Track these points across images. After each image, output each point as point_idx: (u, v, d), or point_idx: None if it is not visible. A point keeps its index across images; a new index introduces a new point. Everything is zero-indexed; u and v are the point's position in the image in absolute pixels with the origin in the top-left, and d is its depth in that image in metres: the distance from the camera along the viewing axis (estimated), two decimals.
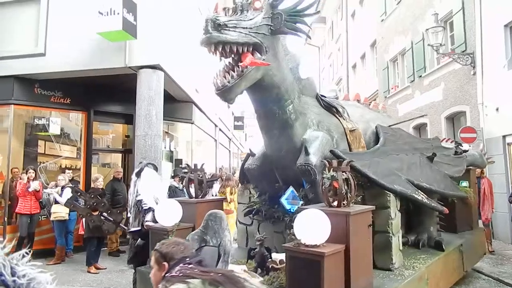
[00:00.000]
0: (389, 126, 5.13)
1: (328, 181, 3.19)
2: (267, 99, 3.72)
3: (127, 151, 9.79)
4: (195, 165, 4.91)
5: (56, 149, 8.81)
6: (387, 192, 3.78)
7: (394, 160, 4.26)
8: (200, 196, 4.63)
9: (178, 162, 10.36)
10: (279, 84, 3.61)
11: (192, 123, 10.63)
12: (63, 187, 7.20)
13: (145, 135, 7.16)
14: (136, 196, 4.57)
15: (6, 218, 7.55)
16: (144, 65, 7.25)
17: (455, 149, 5.90)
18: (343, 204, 3.22)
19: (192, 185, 4.77)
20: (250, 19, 3.28)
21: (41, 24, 7.71)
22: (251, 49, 3.28)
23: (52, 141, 8.70)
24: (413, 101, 12.87)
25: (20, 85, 8.02)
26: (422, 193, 4.02)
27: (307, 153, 3.71)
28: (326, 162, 3.34)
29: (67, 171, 8.26)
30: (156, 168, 5.20)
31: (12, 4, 7.93)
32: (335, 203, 3.21)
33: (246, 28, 3.21)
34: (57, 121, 8.55)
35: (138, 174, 4.78)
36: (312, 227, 2.89)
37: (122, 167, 9.30)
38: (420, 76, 12.29)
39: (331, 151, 3.73)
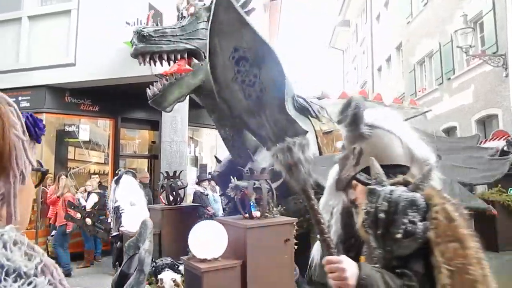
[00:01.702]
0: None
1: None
2: (211, 104, 3.68)
3: (153, 157, 9.97)
4: (167, 172, 5.06)
5: (85, 155, 9.09)
6: None
7: None
8: (173, 203, 4.73)
9: (203, 167, 10.47)
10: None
11: (216, 129, 10.70)
12: (89, 193, 7.39)
13: (170, 141, 7.30)
14: (115, 202, 4.69)
15: (38, 223, 7.82)
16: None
17: (507, 148, 5.16)
18: (266, 215, 3.00)
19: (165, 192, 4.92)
20: (182, 26, 3.28)
21: (71, 35, 8.01)
22: (185, 55, 3.29)
23: (81, 147, 8.98)
24: (441, 104, 12.53)
25: (51, 94, 8.34)
26: None
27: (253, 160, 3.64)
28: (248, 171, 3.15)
29: (93, 176, 8.48)
30: (134, 176, 5.34)
31: (45, 16, 8.28)
32: (258, 214, 3.02)
33: (176, 35, 3.22)
34: (86, 128, 8.85)
35: (117, 182, 4.88)
36: (204, 239, 2.72)
37: (148, 172, 9.48)
38: (449, 78, 11.98)
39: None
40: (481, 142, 6.60)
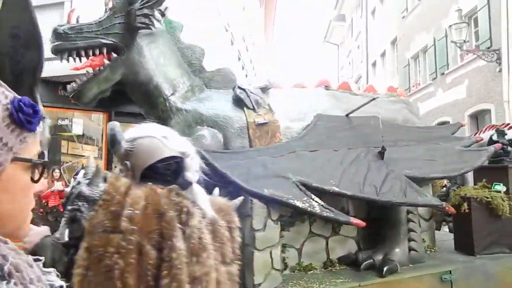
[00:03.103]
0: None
1: None
2: (137, 98, 3.69)
3: None
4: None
5: (78, 149, 9.03)
6: (252, 197, 3.13)
7: (299, 158, 3.52)
8: None
9: None
10: (147, 81, 3.52)
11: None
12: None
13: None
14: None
15: (36, 220, 7.79)
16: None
17: (496, 138, 4.51)
18: None
19: None
20: (99, 21, 3.31)
21: None
22: (104, 50, 3.31)
23: (75, 141, 8.92)
24: (435, 99, 12.63)
25: (44, 87, 8.25)
26: (316, 200, 3.17)
27: None
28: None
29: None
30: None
31: (37, 8, 8.10)
32: None
33: (92, 31, 3.24)
34: (79, 121, 8.78)
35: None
36: None
37: None
38: (443, 73, 12.04)
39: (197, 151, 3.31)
40: (474, 134, 6.23)
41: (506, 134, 4.64)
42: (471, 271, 3.68)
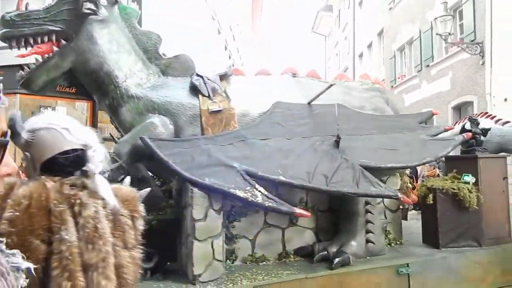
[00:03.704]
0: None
1: None
2: (89, 85, 3.68)
3: None
4: None
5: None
6: (193, 187, 3.06)
7: (248, 146, 3.43)
8: None
9: None
10: (97, 68, 3.50)
11: None
12: None
13: None
14: None
15: None
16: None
17: (470, 127, 4.32)
18: None
19: None
20: (47, 8, 3.29)
21: None
22: (53, 37, 3.29)
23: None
24: (419, 91, 12.78)
25: None
26: (260, 189, 3.07)
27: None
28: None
29: None
30: None
31: None
32: None
33: (40, 18, 3.21)
34: (63, 110, 8.60)
35: None
36: None
37: None
38: (428, 65, 12.17)
39: (140, 139, 3.19)
40: (453, 124, 5.99)
41: (479, 123, 4.44)
42: (430, 265, 3.59)
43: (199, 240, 2.97)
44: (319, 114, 3.88)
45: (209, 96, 3.59)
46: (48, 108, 8.63)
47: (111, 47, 3.53)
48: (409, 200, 3.65)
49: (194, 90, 3.64)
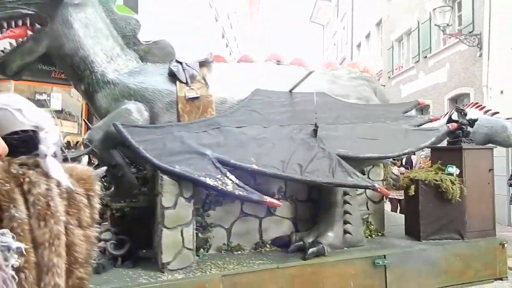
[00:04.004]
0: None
1: None
2: (65, 71, 3.65)
3: None
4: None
5: (57, 125, 8.85)
6: (163, 174, 2.99)
7: (222, 134, 3.36)
8: None
9: None
10: (72, 53, 3.44)
11: None
12: None
13: None
14: None
15: None
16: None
17: (456, 117, 4.17)
18: None
19: None
20: None
21: None
22: (27, 21, 3.25)
23: (53, 117, 8.72)
24: (417, 82, 12.73)
25: None
26: (231, 178, 3.02)
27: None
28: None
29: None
30: None
31: None
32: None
33: (14, 1, 3.16)
34: (58, 96, 8.59)
35: None
36: None
37: None
38: (425, 56, 12.11)
39: (113, 125, 3.12)
40: (444, 115, 5.80)
41: (466, 114, 4.29)
42: (408, 257, 3.51)
43: (168, 228, 2.92)
44: (299, 102, 3.79)
45: (186, 83, 3.52)
46: (43, 94, 8.61)
47: (87, 31, 3.47)
48: (387, 191, 3.57)
49: (172, 77, 3.57)
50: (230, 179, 2.99)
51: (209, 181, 2.93)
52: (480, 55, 9.50)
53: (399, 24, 14.03)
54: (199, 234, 3.25)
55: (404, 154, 3.82)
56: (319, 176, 3.16)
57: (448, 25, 9.69)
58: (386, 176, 4.28)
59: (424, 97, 11.94)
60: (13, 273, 0.86)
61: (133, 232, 3.12)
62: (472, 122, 4.24)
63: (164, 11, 10.24)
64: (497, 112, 4.95)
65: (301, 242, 3.37)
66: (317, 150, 3.39)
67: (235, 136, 3.36)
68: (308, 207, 3.71)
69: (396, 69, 14.36)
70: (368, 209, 4.02)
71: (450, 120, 4.21)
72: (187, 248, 3.01)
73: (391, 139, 3.70)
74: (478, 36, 9.47)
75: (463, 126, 4.13)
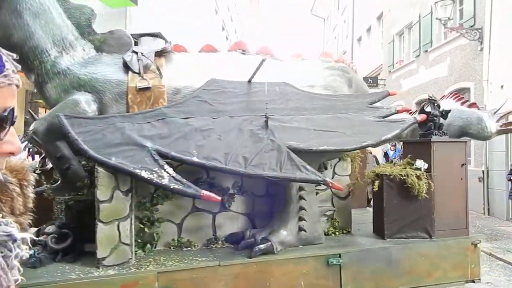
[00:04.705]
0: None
1: None
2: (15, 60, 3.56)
3: None
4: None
5: None
6: (99, 166, 2.89)
7: (166, 125, 3.23)
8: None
9: None
10: (21, 43, 3.31)
11: None
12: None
13: None
14: None
15: None
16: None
17: (429, 109, 3.87)
18: None
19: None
20: None
21: None
22: None
23: None
24: (417, 76, 12.50)
25: None
26: (168, 171, 2.89)
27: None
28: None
29: None
30: None
31: None
32: None
33: None
34: None
35: None
36: None
37: None
38: (426, 50, 11.87)
39: (56, 116, 3.03)
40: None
41: (439, 105, 3.97)
42: (367, 256, 3.33)
43: (104, 222, 2.81)
44: (256, 93, 3.61)
45: (139, 73, 3.40)
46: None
47: (37, 21, 3.36)
48: (339, 186, 3.33)
49: (126, 67, 3.45)
50: (167, 172, 2.86)
51: (144, 173, 2.81)
52: (481, 50, 9.30)
53: (400, 18, 13.74)
54: (146, 229, 3.15)
55: (363, 147, 3.53)
56: (265, 169, 2.99)
57: (449, 19, 9.53)
58: (354, 170, 4.04)
59: (425, 91, 11.71)
60: (18, 264, 0.79)
61: (78, 226, 3.05)
62: (445, 114, 3.93)
63: (164, 3, 10.15)
64: (474, 103, 4.60)
65: (252, 239, 3.21)
66: (266, 142, 3.20)
67: (179, 127, 3.22)
68: (266, 203, 3.59)
69: (396, 63, 14.10)
70: (333, 206, 3.85)
71: (422, 111, 3.92)
72: (124, 243, 2.91)
73: (352, 131, 3.47)
74: (479, 30, 9.27)
75: (435, 118, 3.84)
